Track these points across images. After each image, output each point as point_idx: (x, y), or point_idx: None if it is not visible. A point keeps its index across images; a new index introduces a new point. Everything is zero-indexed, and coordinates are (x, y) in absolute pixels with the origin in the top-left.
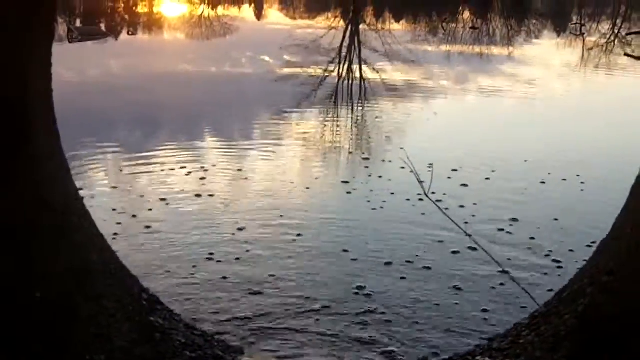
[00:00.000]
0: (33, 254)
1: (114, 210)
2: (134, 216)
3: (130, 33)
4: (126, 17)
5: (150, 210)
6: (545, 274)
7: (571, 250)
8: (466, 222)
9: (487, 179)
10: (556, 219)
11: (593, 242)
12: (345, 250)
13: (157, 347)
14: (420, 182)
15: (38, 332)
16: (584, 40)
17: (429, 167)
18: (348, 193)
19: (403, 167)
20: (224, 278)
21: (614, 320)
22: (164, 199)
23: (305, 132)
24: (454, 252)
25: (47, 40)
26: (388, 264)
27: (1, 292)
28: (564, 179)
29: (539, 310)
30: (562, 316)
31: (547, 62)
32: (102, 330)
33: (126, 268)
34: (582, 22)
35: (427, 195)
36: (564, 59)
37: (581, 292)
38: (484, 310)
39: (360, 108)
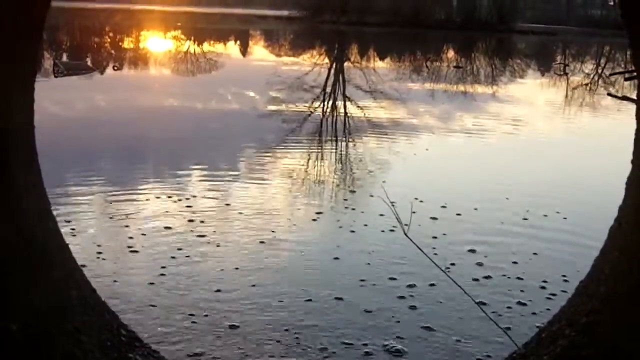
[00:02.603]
0: (10, 288)
1: (98, 245)
2: (116, 246)
3: (115, 68)
4: (112, 52)
5: (133, 239)
6: (524, 312)
7: (544, 284)
8: (435, 253)
9: (459, 214)
10: (535, 253)
11: (565, 278)
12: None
13: None
14: (399, 219)
15: None
16: (567, 80)
17: (412, 202)
18: (314, 220)
19: (394, 202)
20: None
21: None
22: (151, 228)
23: (288, 167)
24: (431, 285)
25: (30, 74)
26: (338, 299)
27: None
28: (545, 215)
29: (517, 350)
30: (541, 357)
31: (530, 102)
32: None
33: (105, 303)
34: (566, 62)
35: (405, 234)
36: (547, 99)
37: (560, 333)
38: (459, 351)
39: (344, 144)
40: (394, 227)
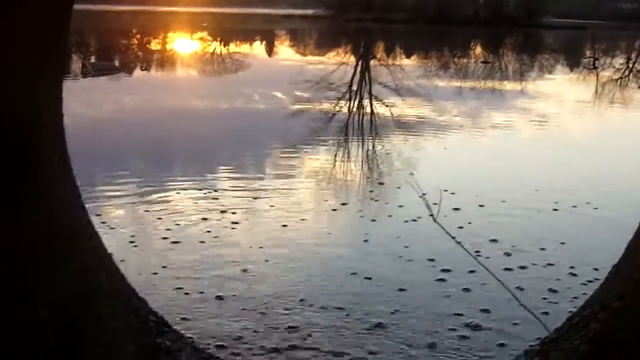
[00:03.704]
0: (40, 274)
1: (132, 235)
2: (150, 235)
3: (143, 69)
4: (139, 53)
5: (169, 230)
6: (555, 299)
7: (574, 274)
8: (459, 242)
9: (488, 206)
10: (563, 243)
11: (596, 269)
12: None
13: None
14: (428, 206)
15: (43, 353)
16: (597, 75)
17: (441, 190)
18: (334, 209)
19: (425, 193)
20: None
21: (625, 345)
22: (184, 219)
23: (316, 162)
24: (457, 271)
25: (58, 63)
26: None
27: (8, 314)
28: (574, 206)
29: (550, 336)
30: (573, 341)
31: (560, 97)
32: (109, 350)
33: (134, 290)
34: (596, 56)
35: (435, 220)
36: (577, 94)
37: (592, 317)
38: (468, 338)
39: (371, 142)
40: (417, 217)
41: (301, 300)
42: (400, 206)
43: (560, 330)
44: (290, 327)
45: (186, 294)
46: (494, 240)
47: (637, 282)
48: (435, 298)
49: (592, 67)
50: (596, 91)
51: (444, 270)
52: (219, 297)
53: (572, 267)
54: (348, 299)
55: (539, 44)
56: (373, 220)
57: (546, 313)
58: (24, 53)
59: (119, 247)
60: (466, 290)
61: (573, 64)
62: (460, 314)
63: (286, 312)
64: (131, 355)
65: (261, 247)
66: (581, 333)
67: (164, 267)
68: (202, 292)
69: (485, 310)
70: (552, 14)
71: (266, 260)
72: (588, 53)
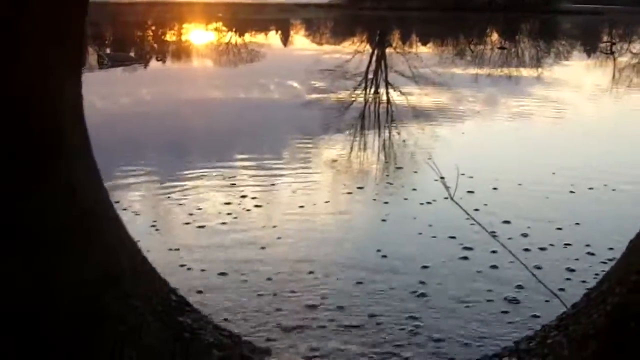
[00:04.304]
0: (63, 255)
1: (154, 221)
2: (172, 219)
3: (158, 59)
4: (155, 44)
5: (191, 215)
6: (574, 277)
7: (592, 254)
8: (472, 224)
9: (503, 188)
10: (578, 223)
11: (611, 248)
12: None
13: (186, 346)
14: (445, 185)
15: (66, 332)
16: (614, 60)
17: (458, 169)
18: (349, 192)
19: (442, 177)
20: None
21: None
22: (201, 206)
23: (333, 150)
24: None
25: (77, 42)
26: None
27: (30, 292)
28: (591, 188)
29: (567, 311)
30: (591, 316)
31: (577, 83)
32: (132, 327)
33: (156, 270)
34: (613, 41)
35: (452, 199)
36: (594, 79)
37: (610, 292)
38: (507, 312)
39: (388, 128)
40: (433, 200)
41: (310, 272)
42: (414, 189)
43: (577, 306)
44: (301, 295)
45: (203, 270)
46: (511, 222)
47: None
48: (464, 273)
49: (609, 52)
50: (613, 77)
51: (466, 248)
52: (235, 272)
53: (588, 246)
54: (365, 275)
55: (555, 29)
56: (387, 203)
57: (563, 290)
58: (43, 39)
59: (141, 231)
60: (494, 267)
61: (590, 49)
62: (492, 290)
63: (310, 283)
64: (154, 334)
65: (274, 226)
66: (599, 307)
67: (177, 249)
68: (208, 268)
69: (519, 286)
70: None
71: (278, 238)
72: (605, 38)
